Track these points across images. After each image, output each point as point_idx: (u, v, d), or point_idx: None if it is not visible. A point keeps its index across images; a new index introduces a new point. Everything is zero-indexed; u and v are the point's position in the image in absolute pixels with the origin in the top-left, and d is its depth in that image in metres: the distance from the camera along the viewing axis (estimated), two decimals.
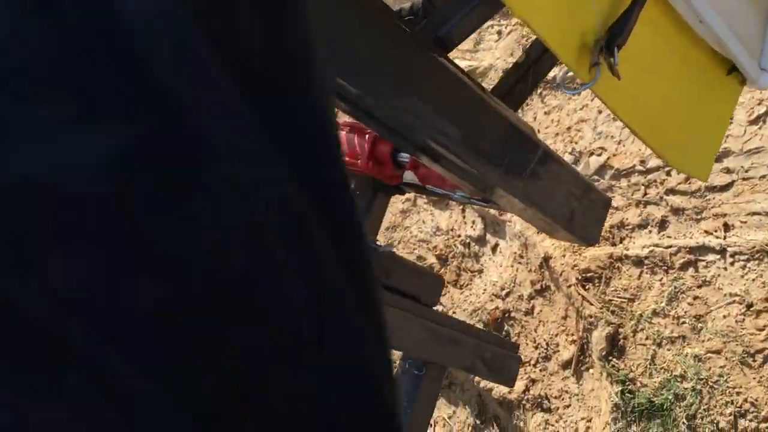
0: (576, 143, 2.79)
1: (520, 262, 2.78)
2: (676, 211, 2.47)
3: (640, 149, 2.58)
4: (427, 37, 1.14)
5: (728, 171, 2.40)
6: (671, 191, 2.48)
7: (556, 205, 1.42)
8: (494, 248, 2.88)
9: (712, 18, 1.17)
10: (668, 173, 2.50)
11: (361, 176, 1.68)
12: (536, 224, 1.53)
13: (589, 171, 2.71)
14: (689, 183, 2.46)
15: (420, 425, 1.65)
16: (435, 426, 2.74)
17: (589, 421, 2.39)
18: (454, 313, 2.87)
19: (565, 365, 2.51)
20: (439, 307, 2.96)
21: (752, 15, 1.28)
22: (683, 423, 2.18)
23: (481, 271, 2.88)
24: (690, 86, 1.28)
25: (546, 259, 2.70)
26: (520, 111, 2.34)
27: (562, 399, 2.48)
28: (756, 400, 2.10)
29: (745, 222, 2.31)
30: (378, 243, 1.46)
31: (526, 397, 2.54)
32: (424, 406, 1.66)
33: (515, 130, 1.28)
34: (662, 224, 2.48)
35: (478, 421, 2.64)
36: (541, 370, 2.56)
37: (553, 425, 2.46)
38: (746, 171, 2.36)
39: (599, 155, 2.71)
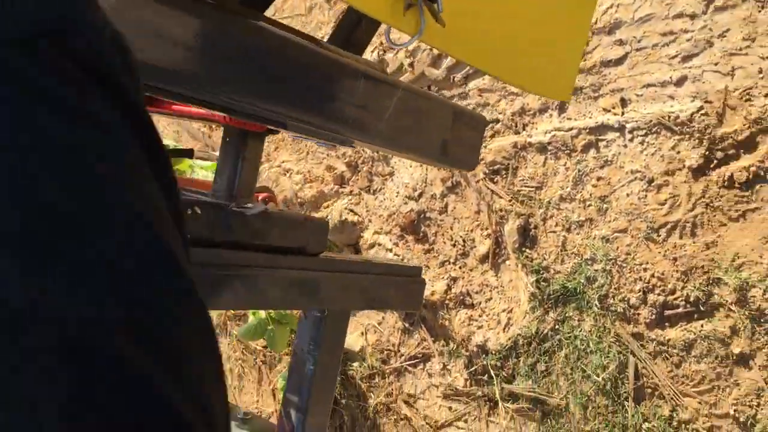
0: None
1: None
2: (574, 90, 2.41)
3: None
4: (234, 1, 1.01)
5: (621, 43, 2.33)
6: None
7: (424, 142, 1.34)
8: None
9: None
10: None
11: (229, 126, 1.57)
12: (411, 160, 1.46)
13: None
14: (584, 60, 2.39)
15: (333, 364, 1.64)
16: (366, 334, 2.77)
17: (510, 312, 2.43)
18: (370, 221, 2.84)
19: (483, 259, 2.52)
20: (355, 218, 2.91)
21: None
22: (596, 305, 2.24)
23: (392, 174, 2.82)
24: (538, 5, 1.18)
25: None
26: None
27: (483, 293, 2.51)
28: (663, 274, 2.14)
29: (641, 95, 2.27)
30: (248, 206, 1.37)
31: (448, 296, 2.56)
32: (333, 346, 1.64)
33: (362, 76, 1.17)
34: (561, 106, 2.43)
35: (406, 324, 2.67)
36: (460, 267, 2.57)
37: (476, 320, 2.50)
38: (638, 41, 2.29)
39: None
